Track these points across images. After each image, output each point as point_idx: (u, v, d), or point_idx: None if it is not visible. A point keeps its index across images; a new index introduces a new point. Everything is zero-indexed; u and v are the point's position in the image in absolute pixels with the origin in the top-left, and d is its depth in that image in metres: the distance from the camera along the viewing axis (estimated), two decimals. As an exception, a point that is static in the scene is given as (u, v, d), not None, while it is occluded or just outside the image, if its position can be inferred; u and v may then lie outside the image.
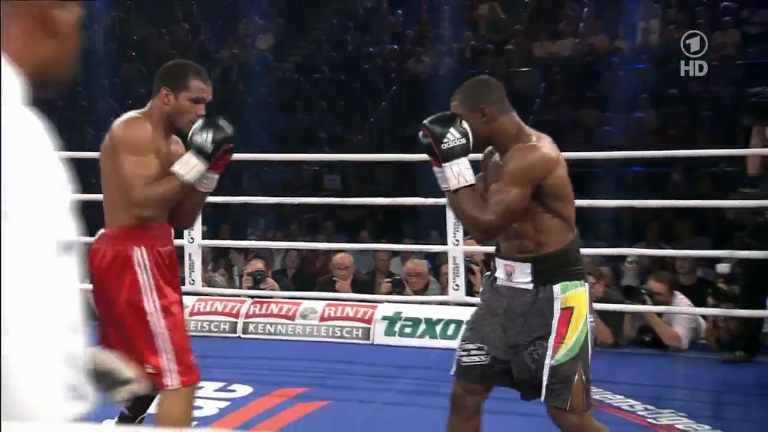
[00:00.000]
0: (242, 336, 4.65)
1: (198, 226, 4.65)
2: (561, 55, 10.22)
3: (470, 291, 4.59)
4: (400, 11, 11.44)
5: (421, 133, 2.28)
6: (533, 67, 10.27)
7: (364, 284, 5.22)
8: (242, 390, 3.72)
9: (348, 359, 4.23)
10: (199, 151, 2.40)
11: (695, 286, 4.93)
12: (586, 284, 2.26)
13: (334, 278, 5.13)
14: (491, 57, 10.38)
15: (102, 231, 2.49)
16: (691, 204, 5.43)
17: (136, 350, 2.37)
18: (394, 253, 6.37)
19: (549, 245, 2.23)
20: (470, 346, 2.32)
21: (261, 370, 4.10)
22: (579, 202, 5.78)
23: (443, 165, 2.21)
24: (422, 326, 4.47)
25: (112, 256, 2.42)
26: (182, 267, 4.84)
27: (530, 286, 2.24)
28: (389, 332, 4.49)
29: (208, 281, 5.05)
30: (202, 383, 3.74)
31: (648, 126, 8.99)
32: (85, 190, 6.96)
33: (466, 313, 4.43)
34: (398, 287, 4.78)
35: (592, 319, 2.27)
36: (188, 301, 4.75)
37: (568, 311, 2.21)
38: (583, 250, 5.32)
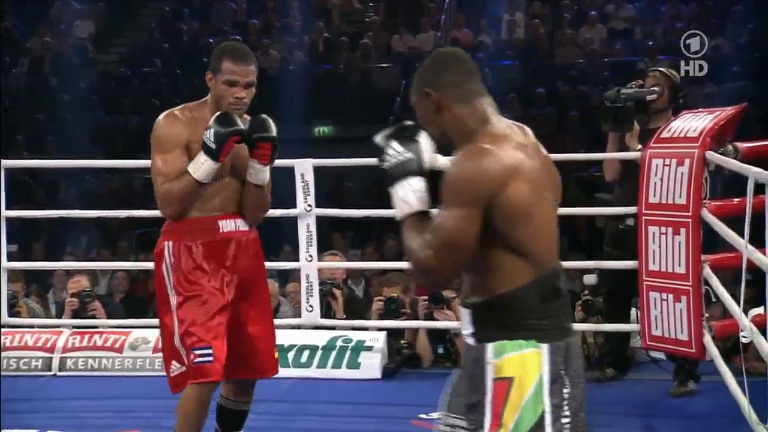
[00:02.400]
0: (58, 374, 4.47)
1: (2, 246, 4.42)
2: (422, 50, 10.50)
3: (328, 313, 4.61)
4: (243, -3, 11.40)
5: None
6: (392, 63, 10.49)
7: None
8: (60, 438, 3.57)
9: (187, 395, 4.13)
10: (205, 149, 2.67)
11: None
12: (546, 346, 1.83)
13: (170, 302, 5.01)
14: (346, 51, 10.53)
15: None
16: (560, 212, 5.67)
17: (164, 346, 2.82)
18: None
19: (497, 288, 1.84)
20: (441, 416, 1.94)
21: (82, 413, 3.96)
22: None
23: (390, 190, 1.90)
24: (272, 354, 4.44)
25: (156, 250, 2.82)
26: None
27: (472, 340, 1.88)
28: (234, 362, 4.43)
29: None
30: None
31: (515, 128, 9.37)
32: None
33: (321, 338, 4.47)
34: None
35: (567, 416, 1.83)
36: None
37: (503, 383, 1.82)
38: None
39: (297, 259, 4.55)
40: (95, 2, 11.40)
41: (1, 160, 4.61)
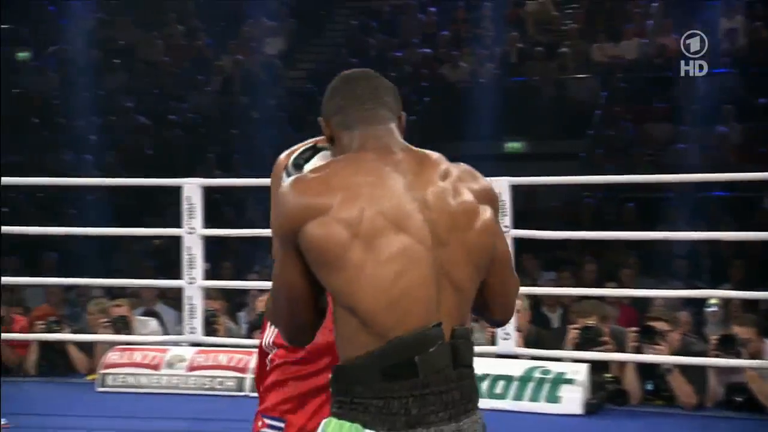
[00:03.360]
0: (250, 395, 4.67)
1: (199, 264, 4.71)
2: (624, 59, 10.25)
3: (539, 341, 4.56)
4: (432, 8, 11.57)
5: None
6: (591, 74, 10.31)
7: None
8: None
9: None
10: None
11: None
12: None
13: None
14: (541, 62, 10.45)
15: None
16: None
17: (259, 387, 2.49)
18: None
19: (341, 356, 1.67)
20: None
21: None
22: (648, 234, 5.76)
23: None
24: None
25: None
26: (181, 312, 4.90)
27: None
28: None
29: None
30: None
31: (731, 142, 8.97)
32: (59, 223, 7.08)
33: (517, 368, 4.44)
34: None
35: None
36: (187, 353, 4.79)
37: None
38: (656, 292, 5.36)
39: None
40: (285, 19, 11.93)
41: (199, 179, 4.93)
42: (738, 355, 4.18)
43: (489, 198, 1.76)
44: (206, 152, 10.05)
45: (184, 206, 4.78)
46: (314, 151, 1.86)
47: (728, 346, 4.17)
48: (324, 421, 1.68)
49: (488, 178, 4.74)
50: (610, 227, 7.49)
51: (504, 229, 4.39)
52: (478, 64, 10.65)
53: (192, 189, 4.78)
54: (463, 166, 1.79)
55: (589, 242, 7.25)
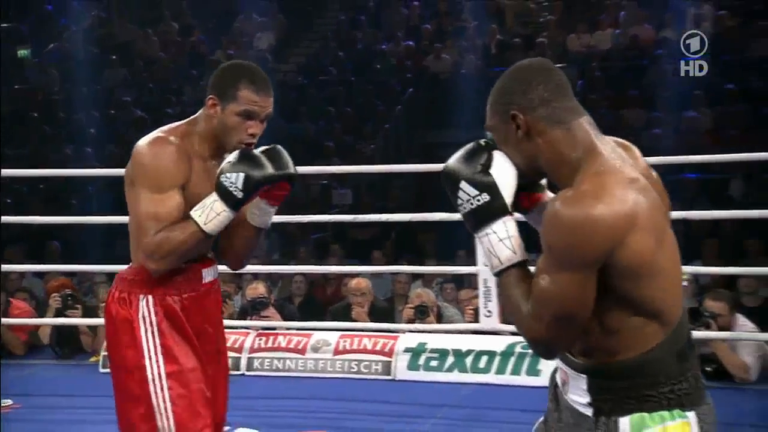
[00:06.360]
0: (246, 373, 4.70)
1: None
2: (599, 49, 10.28)
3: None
4: (416, 2, 11.57)
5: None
6: (568, 63, 10.32)
7: (382, 312, 5.26)
8: (249, 434, 3.76)
9: (367, 397, 4.26)
10: (225, 196, 2.20)
11: (761, 308, 4.93)
12: (692, 414, 1.58)
13: (351, 305, 5.17)
14: (520, 52, 10.45)
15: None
16: (754, 215, 5.40)
17: (130, 423, 2.30)
18: (415, 277, 6.42)
19: (621, 351, 1.59)
20: None
21: (269, 412, 4.14)
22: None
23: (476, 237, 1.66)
24: (450, 359, 4.50)
25: (118, 304, 2.33)
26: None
27: (589, 411, 1.63)
28: (413, 366, 4.52)
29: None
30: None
31: (702, 126, 9.01)
32: (61, 213, 7.08)
33: (499, 344, 4.47)
34: (423, 315, 4.81)
35: None
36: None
37: None
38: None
39: (473, 264, 4.58)
40: (275, 15, 11.91)
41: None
42: (707, 327, 4.22)
43: None
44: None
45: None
46: (488, 151, 1.65)
47: (695, 318, 4.22)
48: (628, 418, 1.58)
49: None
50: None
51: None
52: (460, 56, 10.66)
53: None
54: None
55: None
